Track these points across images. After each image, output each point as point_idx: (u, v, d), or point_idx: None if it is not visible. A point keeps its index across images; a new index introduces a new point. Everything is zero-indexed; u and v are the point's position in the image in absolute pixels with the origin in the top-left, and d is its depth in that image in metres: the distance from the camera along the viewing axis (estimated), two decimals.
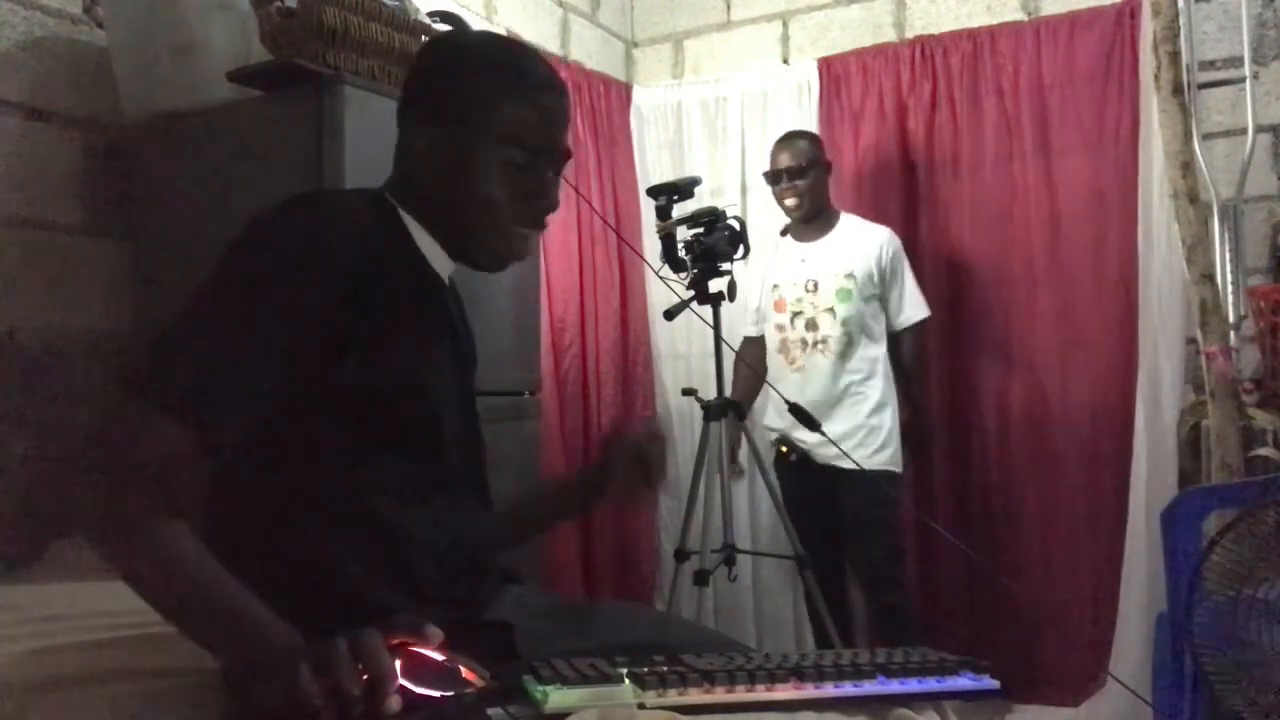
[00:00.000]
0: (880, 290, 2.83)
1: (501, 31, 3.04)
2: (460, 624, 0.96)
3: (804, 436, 2.80)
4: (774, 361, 2.94)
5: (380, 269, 1.04)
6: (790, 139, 2.93)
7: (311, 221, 1.03)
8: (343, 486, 1.04)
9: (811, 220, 2.89)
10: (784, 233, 2.99)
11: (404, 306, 1.07)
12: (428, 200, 1.13)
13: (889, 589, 2.80)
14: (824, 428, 2.68)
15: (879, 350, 2.84)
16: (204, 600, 0.88)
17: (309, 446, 1.03)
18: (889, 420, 2.80)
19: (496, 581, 1.20)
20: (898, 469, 2.82)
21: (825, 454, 2.76)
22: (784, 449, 2.90)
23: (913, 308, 2.87)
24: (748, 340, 3.08)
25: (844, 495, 2.77)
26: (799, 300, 2.87)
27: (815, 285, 2.85)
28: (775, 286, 2.94)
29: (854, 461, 2.60)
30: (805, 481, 2.87)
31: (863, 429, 2.77)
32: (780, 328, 2.92)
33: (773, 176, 2.90)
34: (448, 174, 1.11)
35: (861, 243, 2.84)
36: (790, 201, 2.87)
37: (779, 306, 2.92)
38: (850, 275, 2.80)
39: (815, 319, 2.84)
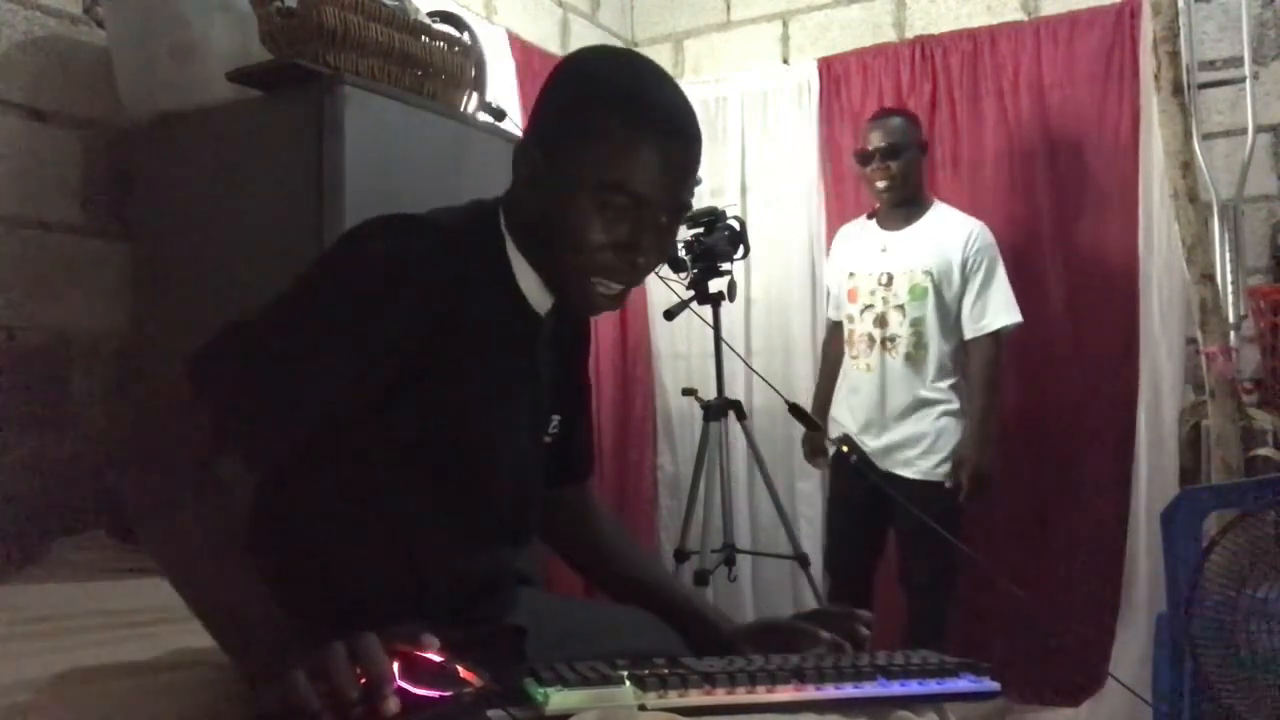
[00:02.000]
0: (961, 290, 2.65)
1: (501, 31, 3.04)
2: (473, 630, 0.96)
3: (867, 440, 2.71)
4: (845, 351, 2.83)
5: (467, 304, 0.99)
6: (885, 115, 2.79)
7: (401, 248, 0.98)
8: (383, 508, 1.02)
9: (900, 206, 2.74)
10: (869, 216, 2.86)
11: (484, 344, 1.02)
12: (526, 228, 1.05)
13: (933, 602, 2.68)
14: (893, 434, 2.67)
15: (958, 357, 2.69)
16: (218, 591, 0.88)
17: (358, 464, 1.01)
18: (956, 428, 2.66)
19: (513, 596, 1.18)
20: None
21: (887, 458, 2.68)
22: (844, 449, 2.75)
23: (995, 312, 2.63)
24: (833, 326, 2.96)
25: (901, 504, 2.54)
26: (872, 293, 2.72)
27: (890, 279, 2.70)
28: (851, 274, 2.80)
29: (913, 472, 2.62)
30: (859, 484, 2.70)
31: (929, 435, 2.65)
32: (850, 318, 2.79)
33: (863, 156, 2.73)
34: (543, 205, 1.02)
35: (947, 237, 2.67)
36: (881, 183, 2.70)
37: (852, 296, 2.79)
38: (928, 272, 2.64)
39: (885, 315, 2.70)
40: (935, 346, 2.66)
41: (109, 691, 1.07)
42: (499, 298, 1.05)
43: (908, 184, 2.71)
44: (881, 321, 2.71)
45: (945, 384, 2.67)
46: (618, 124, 0.98)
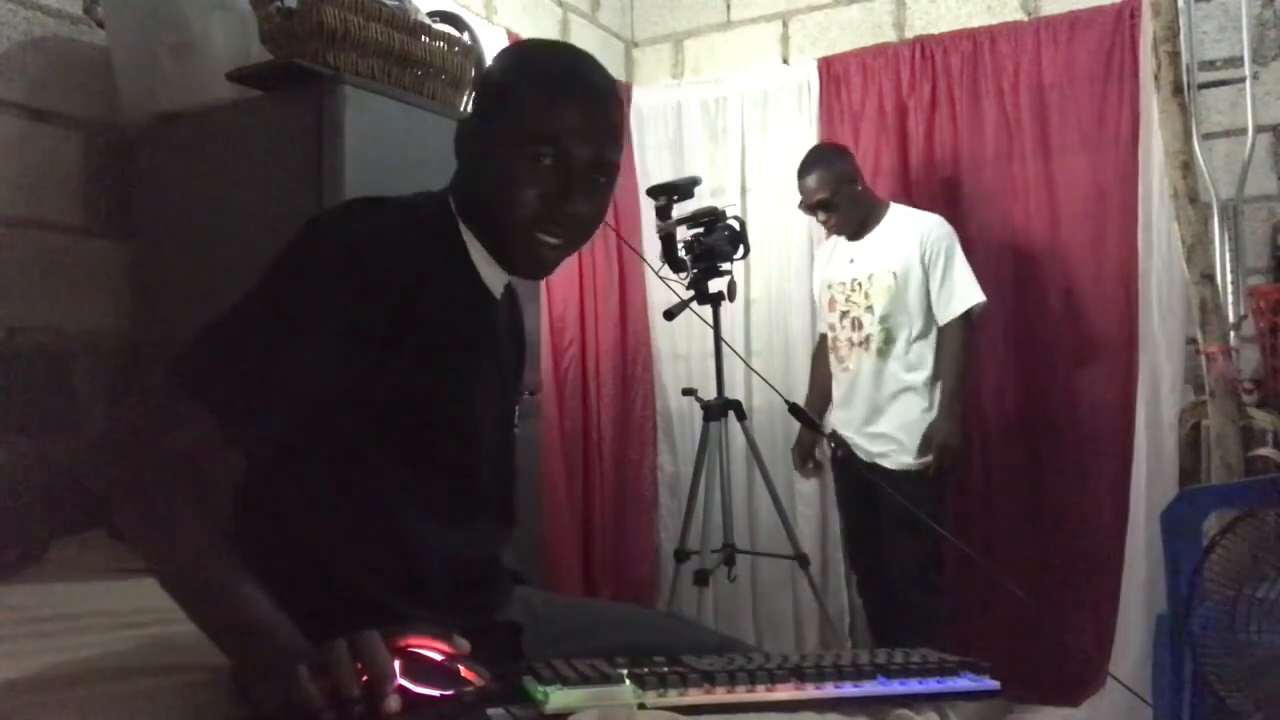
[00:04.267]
0: (926, 281, 2.75)
1: (501, 31, 3.04)
2: (469, 626, 0.97)
3: (850, 433, 2.82)
4: (831, 360, 2.95)
5: (432, 283, 1.03)
6: (809, 169, 2.86)
7: (367, 230, 1.02)
8: (369, 495, 1.04)
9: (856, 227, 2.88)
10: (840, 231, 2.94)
11: (451, 323, 1.06)
12: (471, 203, 1.11)
13: (920, 595, 2.72)
14: (872, 427, 2.77)
15: (931, 346, 2.76)
16: (214, 594, 0.89)
17: (341, 453, 1.03)
18: (924, 420, 2.73)
19: (508, 590, 1.20)
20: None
21: (867, 451, 2.77)
22: (833, 445, 2.89)
23: (959, 298, 2.72)
24: (823, 338, 3.07)
25: (883, 494, 2.64)
26: (847, 299, 2.86)
27: (859, 284, 2.83)
28: (828, 286, 2.94)
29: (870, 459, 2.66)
30: (852, 478, 2.86)
31: (901, 429, 2.73)
32: (832, 327, 2.93)
33: (807, 209, 2.88)
34: (479, 170, 1.09)
35: (905, 236, 2.78)
36: (833, 230, 2.90)
37: (831, 306, 2.92)
38: (892, 272, 2.76)
39: (859, 318, 2.82)
40: (903, 341, 2.76)
41: (108, 694, 1.07)
42: (458, 276, 1.10)
43: (852, 217, 2.84)
44: (857, 325, 2.84)
45: (914, 377, 2.75)
46: (541, 88, 1.07)
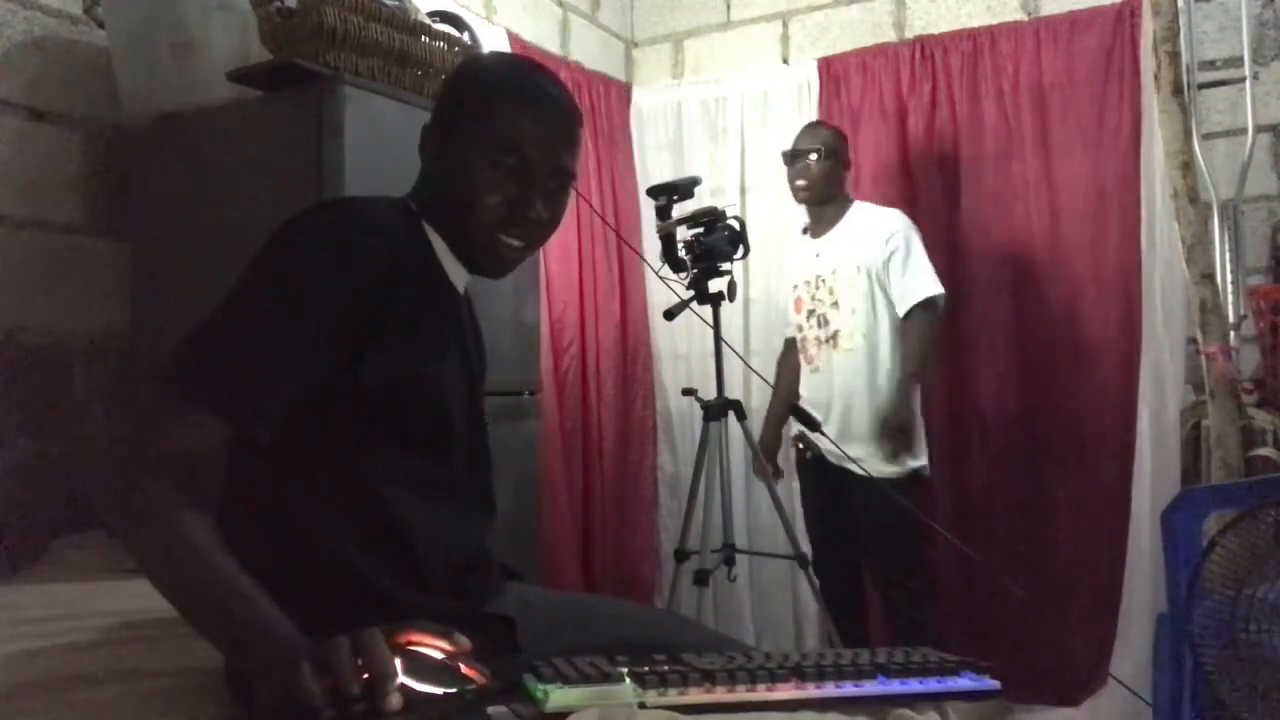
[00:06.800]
0: (888, 275, 2.71)
1: (501, 31, 3.05)
2: (462, 616, 0.97)
3: (823, 438, 2.73)
4: (801, 363, 2.89)
5: (404, 277, 1.07)
6: (815, 126, 2.92)
7: (344, 225, 1.06)
8: (356, 481, 1.06)
9: (822, 206, 2.83)
10: (803, 231, 2.93)
11: (422, 315, 1.10)
12: (436, 205, 1.16)
13: (905, 600, 2.70)
14: (842, 430, 2.69)
15: (900, 343, 2.72)
16: (214, 595, 0.89)
17: (326, 441, 1.05)
18: (914, 422, 2.69)
19: (500, 577, 1.21)
20: (923, 472, 2.72)
21: (838, 455, 2.69)
22: (800, 446, 2.85)
23: (919, 288, 2.68)
24: (789, 343, 3.02)
25: (859, 499, 2.66)
26: (813, 298, 2.81)
27: (824, 281, 2.79)
28: (794, 287, 2.89)
29: (863, 469, 2.59)
30: (821, 481, 2.81)
31: (876, 435, 2.66)
32: (799, 329, 2.87)
33: (790, 155, 2.84)
34: (445, 175, 1.15)
35: (870, 230, 2.75)
36: (800, 181, 2.81)
37: (797, 306, 2.87)
38: (859, 267, 2.72)
39: (825, 315, 2.78)
40: (876, 339, 2.70)
41: (108, 694, 1.07)
42: (426, 270, 1.14)
43: (824, 185, 2.79)
44: (823, 321, 2.78)
45: (885, 376, 2.69)
46: (504, 100, 1.13)
